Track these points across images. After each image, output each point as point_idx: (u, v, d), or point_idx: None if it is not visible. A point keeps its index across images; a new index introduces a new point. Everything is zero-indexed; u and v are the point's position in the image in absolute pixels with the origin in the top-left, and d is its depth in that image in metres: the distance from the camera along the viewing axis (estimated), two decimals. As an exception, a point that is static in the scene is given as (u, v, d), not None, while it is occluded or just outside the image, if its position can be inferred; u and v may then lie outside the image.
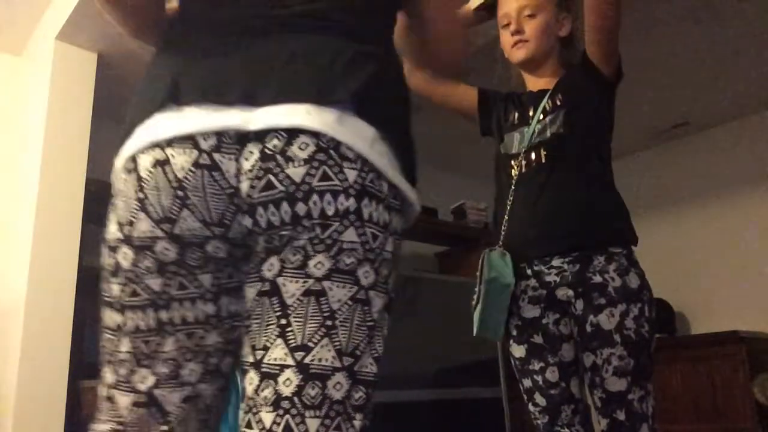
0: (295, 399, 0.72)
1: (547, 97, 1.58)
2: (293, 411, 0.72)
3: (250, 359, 0.76)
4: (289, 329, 0.74)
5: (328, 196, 0.74)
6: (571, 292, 1.46)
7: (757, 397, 3.70)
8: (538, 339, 1.51)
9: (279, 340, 0.74)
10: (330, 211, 0.74)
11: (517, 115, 1.64)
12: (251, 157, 0.75)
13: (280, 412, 0.72)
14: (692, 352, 4.07)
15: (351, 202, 0.75)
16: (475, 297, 1.53)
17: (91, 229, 3.02)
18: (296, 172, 0.74)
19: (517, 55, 1.61)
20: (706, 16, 3.29)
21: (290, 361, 0.73)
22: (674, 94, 4.11)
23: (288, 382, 0.73)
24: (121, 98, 3.46)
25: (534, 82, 1.65)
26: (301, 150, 0.74)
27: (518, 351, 1.54)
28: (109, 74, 3.17)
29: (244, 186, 0.75)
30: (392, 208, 0.80)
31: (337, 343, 0.74)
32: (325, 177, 0.74)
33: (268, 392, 0.73)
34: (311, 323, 0.73)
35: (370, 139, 0.78)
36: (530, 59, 1.61)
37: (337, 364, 0.73)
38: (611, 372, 1.37)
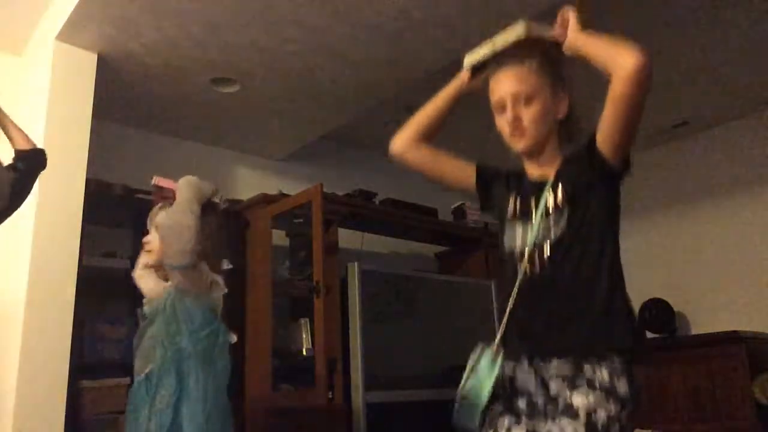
0: None
1: (548, 189, 1.52)
2: None
3: None
4: None
5: None
6: (563, 382, 1.44)
7: (757, 397, 3.70)
8: (521, 403, 1.49)
9: None
10: None
11: (518, 203, 1.59)
12: None
13: None
14: (692, 352, 4.07)
15: None
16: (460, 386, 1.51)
17: (91, 229, 3.02)
18: None
19: (517, 145, 1.55)
20: (707, 17, 3.29)
21: None
22: (674, 94, 4.11)
23: None
24: (121, 98, 3.47)
25: (533, 168, 1.59)
26: None
27: (498, 407, 1.51)
28: (109, 74, 3.16)
29: None
30: None
31: None
32: None
33: None
34: None
35: None
36: (530, 148, 1.55)
37: None
38: None
